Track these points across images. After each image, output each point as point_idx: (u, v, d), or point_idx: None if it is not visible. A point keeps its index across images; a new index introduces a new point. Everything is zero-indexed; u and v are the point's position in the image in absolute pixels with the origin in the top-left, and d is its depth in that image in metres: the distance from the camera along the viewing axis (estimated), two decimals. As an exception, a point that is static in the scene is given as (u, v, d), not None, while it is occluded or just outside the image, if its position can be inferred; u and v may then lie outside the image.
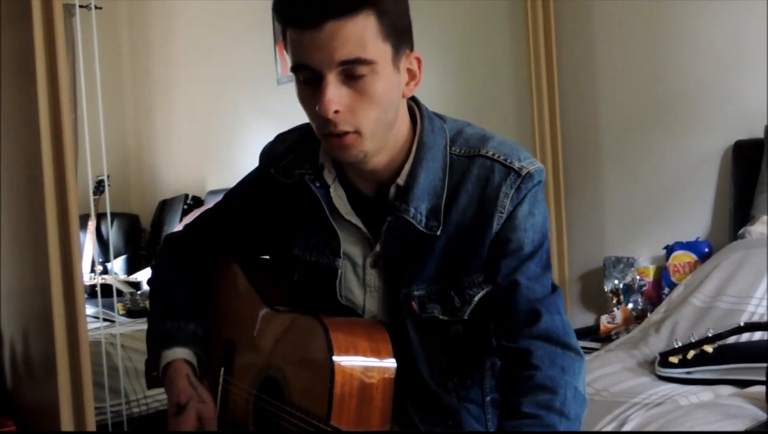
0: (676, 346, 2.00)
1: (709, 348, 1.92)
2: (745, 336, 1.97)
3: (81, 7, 3.30)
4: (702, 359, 1.91)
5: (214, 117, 4.74)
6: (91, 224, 4.26)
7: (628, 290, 2.81)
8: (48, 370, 2.32)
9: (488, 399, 1.34)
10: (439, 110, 1.34)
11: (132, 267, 4.60)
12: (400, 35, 1.18)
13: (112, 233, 4.64)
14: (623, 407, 1.77)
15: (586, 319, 3.04)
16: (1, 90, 2.47)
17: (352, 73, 1.15)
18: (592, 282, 3.07)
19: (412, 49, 1.22)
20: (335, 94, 1.15)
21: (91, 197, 4.08)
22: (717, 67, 2.73)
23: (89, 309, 2.82)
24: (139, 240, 4.92)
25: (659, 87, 2.88)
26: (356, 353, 1.22)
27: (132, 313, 3.53)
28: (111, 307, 3.28)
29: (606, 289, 2.88)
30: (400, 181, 1.26)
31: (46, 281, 2.29)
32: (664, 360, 1.97)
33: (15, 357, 2.58)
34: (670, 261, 2.68)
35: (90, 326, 2.54)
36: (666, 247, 2.73)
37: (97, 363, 2.69)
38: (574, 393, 1.16)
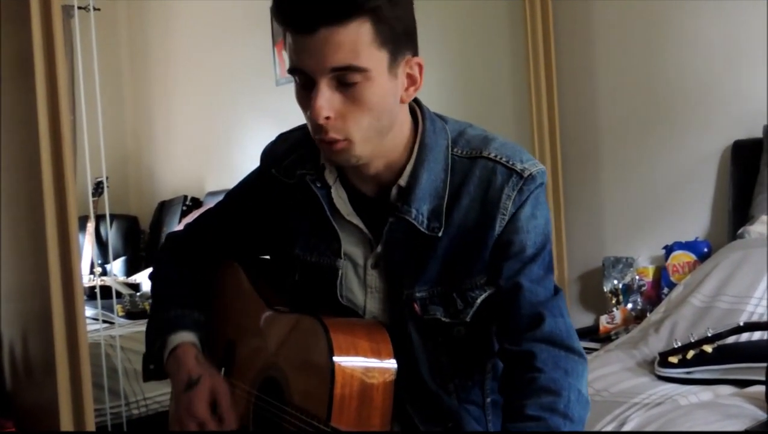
0: (676, 346, 2.00)
1: (708, 348, 1.92)
2: (744, 336, 1.97)
3: (80, 8, 3.30)
4: (701, 359, 1.91)
5: (213, 118, 4.74)
6: (90, 225, 4.25)
7: (628, 290, 2.81)
8: (47, 372, 2.32)
9: (489, 400, 1.33)
10: (438, 110, 1.33)
11: (131, 269, 4.60)
12: (398, 41, 1.17)
13: (111, 234, 4.64)
14: (623, 407, 1.77)
15: (585, 319, 3.04)
16: (1, 91, 2.47)
17: (344, 79, 1.14)
18: (592, 282, 3.07)
19: (414, 54, 1.21)
20: (327, 100, 1.15)
21: (90, 198, 4.08)
22: (716, 67, 2.73)
23: (88, 311, 2.82)
24: (138, 241, 4.92)
25: (658, 87, 2.88)
26: (357, 354, 1.22)
27: (131, 315, 3.53)
28: (110, 309, 3.28)
29: (605, 289, 2.88)
30: (402, 181, 1.26)
31: (45, 282, 2.29)
32: (663, 360, 1.97)
33: (14, 358, 2.58)
34: (669, 261, 2.68)
35: (89, 327, 2.54)
36: (665, 247, 2.73)
37: (96, 365, 2.69)
38: (578, 396, 1.16)
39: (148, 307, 3.33)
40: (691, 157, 2.80)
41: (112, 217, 4.58)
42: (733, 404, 1.72)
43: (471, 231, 1.24)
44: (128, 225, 4.94)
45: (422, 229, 1.24)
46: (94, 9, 3.02)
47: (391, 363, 1.24)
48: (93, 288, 3.43)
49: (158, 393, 3.09)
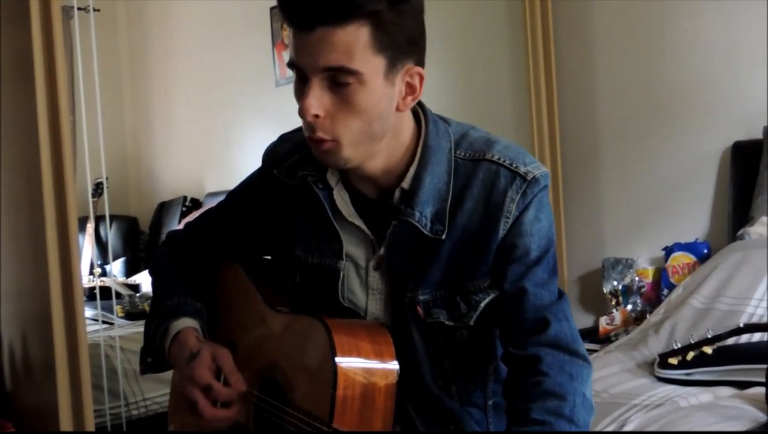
0: (676, 347, 2.00)
1: (708, 350, 1.92)
2: (744, 338, 1.97)
3: (79, 9, 3.30)
4: (701, 360, 1.91)
5: (213, 119, 4.74)
6: (90, 226, 4.25)
7: (627, 291, 2.81)
8: (47, 372, 2.32)
9: (490, 403, 1.33)
10: (438, 111, 1.33)
11: (131, 270, 4.60)
12: (398, 49, 1.16)
13: (111, 235, 4.64)
14: (623, 408, 1.77)
15: (585, 321, 3.04)
16: (1, 92, 2.46)
17: (336, 80, 1.15)
18: (591, 283, 3.07)
19: (417, 64, 1.20)
20: (317, 98, 1.15)
21: (90, 199, 4.08)
22: (716, 67, 2.73)
23: (88, 312, 2.82)
24: (138, 242, 4.91)
25: (658, 87, 2.88)
26: (359, 355, 1.21)
27: (131, 316, 3.52)
28: (110, 310, 3.27)
29: (605, 291, 2.88)
30: (405, 184, 1.25)
31: (45, 283, 2.29)
32: (663, 361, 1.97)
33: (14, 359, 2.58)
34: (669, 262, 2.68)
35: (89, 328, 2.55)
36: (665, 248, 2.73)
37: (96, 366, 2.69)
38: (583, 400, 1.16)
39: (147, 308, 3.33)
40: (690, 157, 2.80)
41: (112, 217, 4.58)
42: (733, 405, 1.72)
43: (474, 234, 1.24)
44: (128, 225, 4.94)
45: (425, 232, 1.24)
46: (94, 10, 3.02)
47: (394, 365, 1.23)
48: (93, 288, 3.43)
49: (158, 394, 3.09)
